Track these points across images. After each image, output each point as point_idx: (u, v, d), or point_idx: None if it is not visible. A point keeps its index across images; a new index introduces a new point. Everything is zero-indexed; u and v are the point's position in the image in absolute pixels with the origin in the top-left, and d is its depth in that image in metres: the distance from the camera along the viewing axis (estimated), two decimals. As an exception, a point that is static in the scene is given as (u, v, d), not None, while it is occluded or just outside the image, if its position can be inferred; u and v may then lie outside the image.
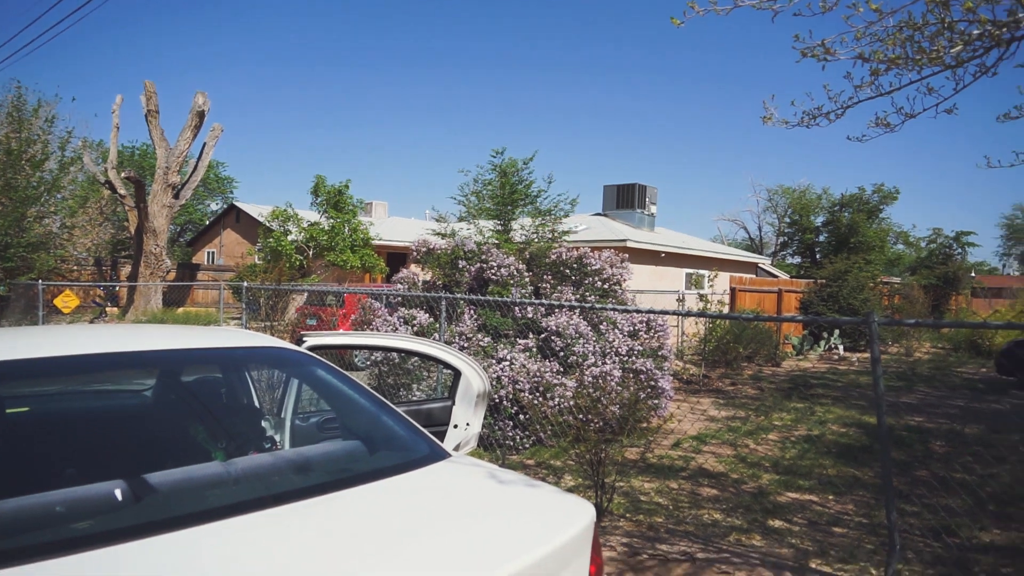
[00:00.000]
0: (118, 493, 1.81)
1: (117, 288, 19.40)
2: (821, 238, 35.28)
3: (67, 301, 13.90)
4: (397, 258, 26.38)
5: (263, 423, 3.19)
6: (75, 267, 21.16)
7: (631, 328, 7.73)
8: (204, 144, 20.45)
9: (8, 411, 2.50)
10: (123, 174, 19.20)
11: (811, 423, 8.29)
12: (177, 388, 3.18)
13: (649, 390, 7.11)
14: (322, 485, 2.10)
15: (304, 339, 3.44)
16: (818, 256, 33.94)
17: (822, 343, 16.76)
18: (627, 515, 4.98)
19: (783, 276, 29.84)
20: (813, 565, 4.14)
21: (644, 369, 7.16)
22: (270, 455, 2.70)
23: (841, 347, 16.66)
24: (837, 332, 16.75)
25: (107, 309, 17.41)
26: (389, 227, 28.95)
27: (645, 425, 7.55)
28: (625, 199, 23.11)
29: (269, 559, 1.62)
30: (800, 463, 6.48)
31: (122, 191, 19.74)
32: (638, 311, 5.48)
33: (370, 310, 8.02)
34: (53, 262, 17.34)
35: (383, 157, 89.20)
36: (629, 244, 18.17)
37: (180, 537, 1.65)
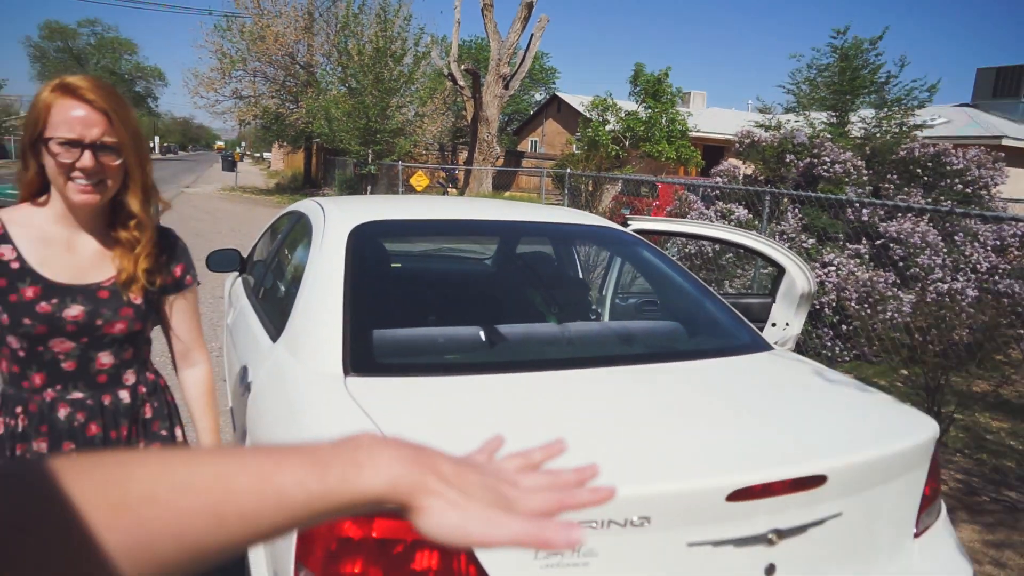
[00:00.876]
0: (481, 335, 2.10)
1: (456, 171, 21.88)
2: None
3: (419, 181, 16.11)
4: (714, 151, 25.30)
5: (588, 296, 3.41)
6: (424, 151, 24.31)
7: (997, 242, 6.46)
8: (531, 36, 21.36)
9: (393, 265, 3.03)
10: (462, 66, 21.09)
11: None
12: (514, 256, 3.53)
13: (1013, 317, 5.97)
14: (648, 355, 2.19)
15: (629, 221, 3.53)
16: None
17: None
18: (965, 451, 4.38)
19: None
20: None
21: (1011, 292, 6.00)
22: (597, 324, 2.89)
23: None
24: None
25: (448, 190, 19.85)
26: (707, 118, 27.68)
27: (1002, 357, 6.42)
28: (1006, 86, 18.81)
29: (616, 403, 1.77)
30: None
31: (461, 82, 21.76)
32: (1016, 219, 4.53)
33: (685, 202, 7.90)
34: (408, 146, 20.10)
35: (703, 45, 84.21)
36: (1006, 142, 14.94)
37: (530, 377, 1.88)
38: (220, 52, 23.47)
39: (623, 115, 21.44)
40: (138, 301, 1.48)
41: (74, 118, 1.30)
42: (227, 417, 3.62)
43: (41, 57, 61.51)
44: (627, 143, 21.35)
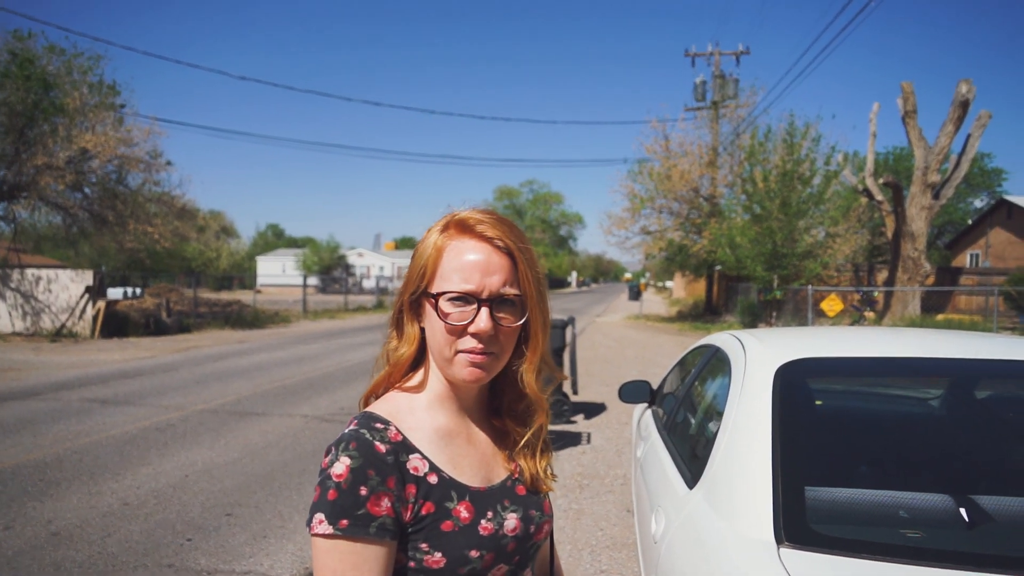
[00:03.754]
0: (958, 510, 1.62)
1: (875, 293, 19.65)
2: None
3: (832, 305, 14.82)
4: None
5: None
6: (834, 273, 22.50)
7: None
8: (968, 136, 18.58)
9: (816, 402, 2.65)
10: (880, 180, 19.30)
11: None
12: (971, 401, 2.81)
13: None
14: None
15: None
16: None
17: None
18: None
19: None
20: None
21: None
22: None
23: None
24: None
25: (864, 314, 17.82)
26: None
27: None
28: None
29: None
30: None
31: (879, 197, 19.86)
32: None
33: None
34: (818, 269, 18.85)
35: None
36: None
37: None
38: (631, 194, 25.88)
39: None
40: (546, 489, 1.14)
41: (471, 263, 0.97)
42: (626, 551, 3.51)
43: (493, 215, 76.14)
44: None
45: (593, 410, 8.72)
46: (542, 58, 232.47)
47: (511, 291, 0.98)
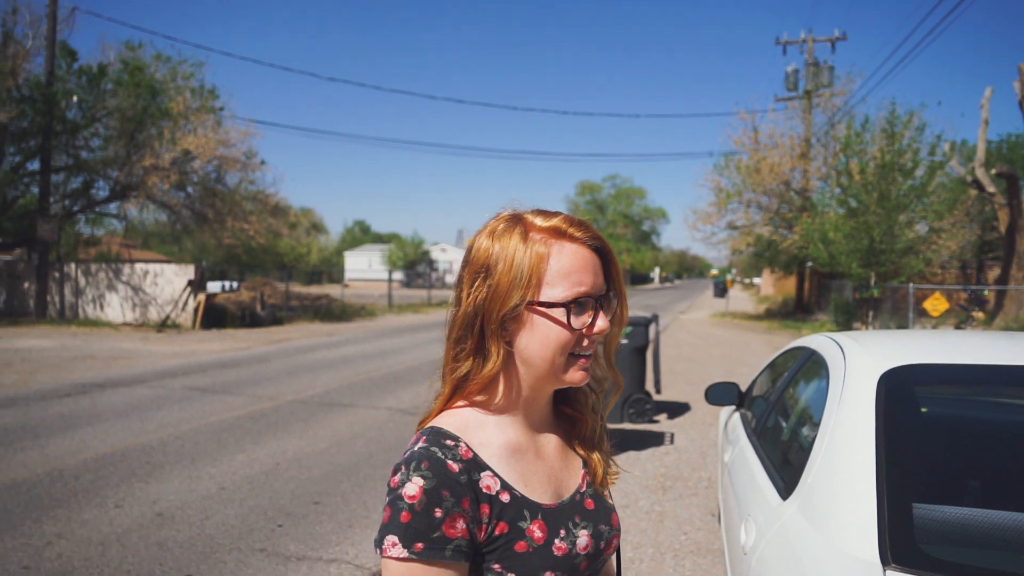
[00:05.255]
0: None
1: (985, 292, 18.33)
2: None
3: (936, 304, 13.93)
4: None
5: None
6: (938, 270, 21.13)
7: None
8: (1097, 121, 17.00)
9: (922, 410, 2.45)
10: (993, 170, 17.95)
11: None
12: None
13: None
14: None
15: None
16: None
17: None
18: None
19: None
20: None
21: None
22: None
23: None
24: None
25: (973, 314, 16.63)
26: None
27: None
28: None
29: None
30: None
31: (991, 188, 18.46)
32: None
33: None
34: (920, 266, 17.74)
35: None
36: None
37: None
38: (717, 188, 25.13)
39: None
40: (612, 502, 1.11)
41: (579, 266, 0.95)
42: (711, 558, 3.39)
43: (574, 210, 75.69)
44: None
45: (677, 410, 8.53)
46: (627, 50, 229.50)
47: (606, 290, 0.98)
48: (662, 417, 8.07)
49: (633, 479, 5.60)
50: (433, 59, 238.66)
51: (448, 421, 0.98)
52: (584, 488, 1.06)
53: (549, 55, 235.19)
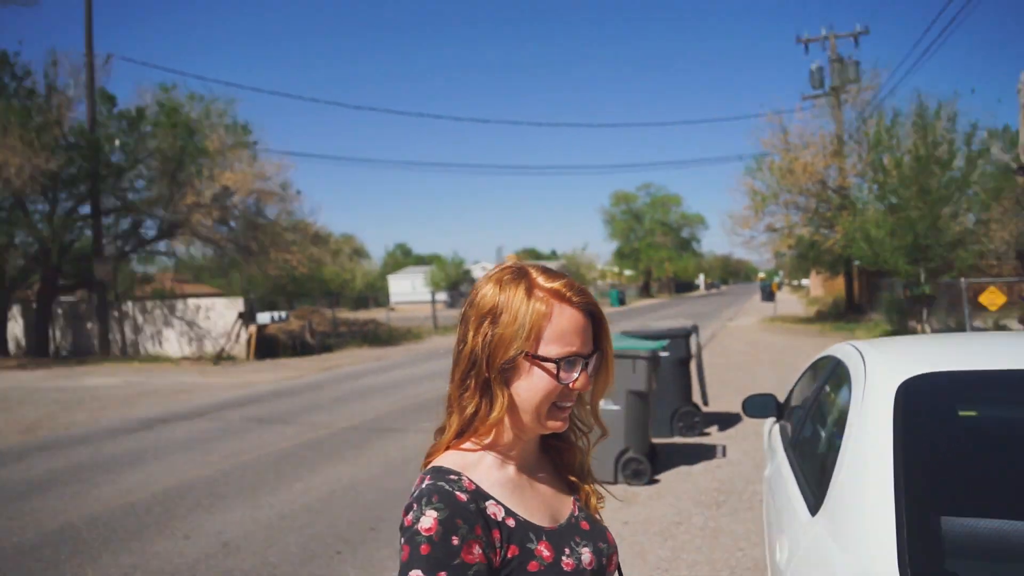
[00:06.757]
0: None
1: (1044, 282, 17.62)
2: None
3: (993, 298, 13.49)
4: None
5: None
6: (994, 262, 20.41)
7: None
8: None
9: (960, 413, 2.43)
10: (1042, 156, 17.33)
11: None
12: None
13: None
14: None
15: None
16: None
17: None
18: None
19: None
20: None
21: None
22: None
23: None
24: None
25: (1033, 306, 16.01)
26: None
27: None
28: None
29: None
30: None
31: (1042, 175, 17.84)
32: None
33: None
34: (972, 259, 17.20)
35: None
36: None
37: None
38: (751, 191, 24.81)
39: None
40: (604, 523, 1.21)
41: (574, 328, 1.05)
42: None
43: (610, 221, 75.16)
44: None
45: (727, 421, 8.39)
46: (648, 62, 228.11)
47: (596, 350, 1.09)
48: (712, 429, 7.97)
49: (686, 494, 5.55)
50: (457, 82, 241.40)
51: (448, 460, 1.07)
52: (577, 512, 1.15)
53: (575, 72, 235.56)
